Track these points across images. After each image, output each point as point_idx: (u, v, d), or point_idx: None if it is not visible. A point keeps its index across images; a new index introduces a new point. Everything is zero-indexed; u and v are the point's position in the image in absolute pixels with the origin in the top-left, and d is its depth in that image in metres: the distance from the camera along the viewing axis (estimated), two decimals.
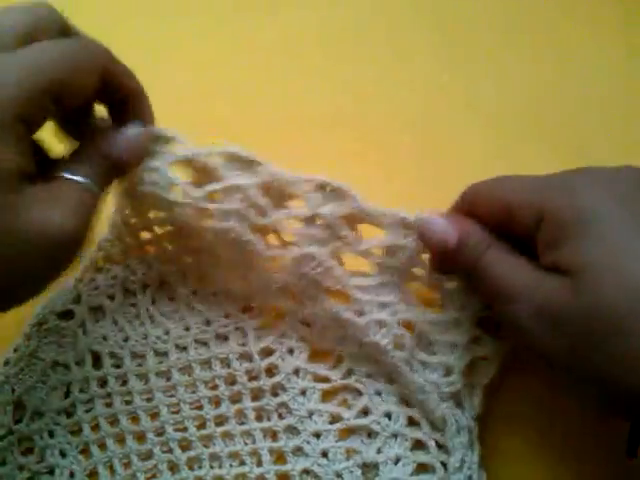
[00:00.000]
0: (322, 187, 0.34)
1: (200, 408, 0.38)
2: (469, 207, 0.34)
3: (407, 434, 0.37)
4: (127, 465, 0.38)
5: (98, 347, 0.39)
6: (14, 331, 0.38)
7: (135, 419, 0.38)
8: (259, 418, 0.38)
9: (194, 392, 0.38)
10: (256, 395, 0.38)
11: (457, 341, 0.35)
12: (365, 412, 0.38)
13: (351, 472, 0.37)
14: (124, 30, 0.47)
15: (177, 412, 0.38)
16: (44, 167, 0.31)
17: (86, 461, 0.38)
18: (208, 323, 0.39)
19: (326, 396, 0.38)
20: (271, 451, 0.37)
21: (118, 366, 0.39)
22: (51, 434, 0.38)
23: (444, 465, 0.36)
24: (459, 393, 0.36)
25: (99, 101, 0.33)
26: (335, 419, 0.38)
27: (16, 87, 0.27)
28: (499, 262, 0.31)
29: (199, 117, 0.42)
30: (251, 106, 0.44)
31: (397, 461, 0.37)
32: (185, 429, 0.38)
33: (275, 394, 0.38)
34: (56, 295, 0.39)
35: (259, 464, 0.37)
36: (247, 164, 0.34)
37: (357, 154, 0.44)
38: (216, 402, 0.38)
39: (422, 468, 0.37)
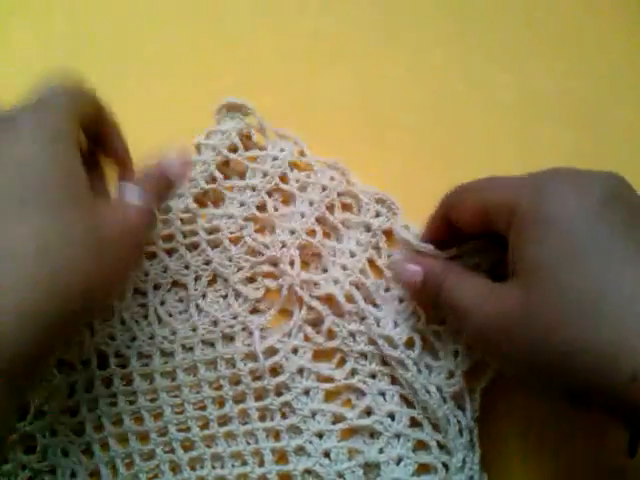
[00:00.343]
0: (379, 200, 0.40)
1: (204, 408, 0.38)
2: (450, 210, 0.35)
3: (409, 435, 0.37)
4: (129, 465, 0.37)
5: (105, 347, 0.38)
6: None
7: (138, 419, 0.38)
8: (262, 418, 0.38)
9: (198, 392, 0.38)
10: (260, 395, 0.38)
11: (459, 348, 0.37)
12: (368, 412, 0.38)
13: (353, 472, 0.37)
14: (126, 28, 0.47)
15: (181, 412, 0.38)
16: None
17: (88, 461, 0.37)
18: (215, 324, 0.39)
19: (329, 396, 0.38)
20: (273, 451, 0.37)
21: (124, 366, 0.38)
22: (54, 433, 0.37)
23: (445, 466, 0.36)
24: (460, 395, 0.37)
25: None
26: (338, 419, 0.38)
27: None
28: (456, 286, 0.33)
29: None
30: (256, 90, 0.44)
31: (399, 461, 0.37)
32: (188, 429, 0.37)
33: (279, 394, 0.38)
34: None
35: (261, 464, 0.37)
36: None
37: (359, 137, 0.44)
38: (220, 402, 0.38)
39: (424, 469, 0.37)
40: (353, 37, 0.47)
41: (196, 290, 0.40)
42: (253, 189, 0.41)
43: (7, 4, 0.48)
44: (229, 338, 0.39)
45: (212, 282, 0.40)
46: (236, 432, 0.37)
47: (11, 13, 0.48)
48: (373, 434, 0.38)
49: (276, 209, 0.41)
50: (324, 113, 0.45)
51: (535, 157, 0.43)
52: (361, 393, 0.38)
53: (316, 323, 0.39)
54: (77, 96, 0.33)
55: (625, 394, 0.26)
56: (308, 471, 0.37)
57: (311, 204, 0.40)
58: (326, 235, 0.40)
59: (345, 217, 0.40)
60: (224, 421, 0.38)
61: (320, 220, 0.40)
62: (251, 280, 0.40)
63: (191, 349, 0.39)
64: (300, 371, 0.39)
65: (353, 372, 0.38)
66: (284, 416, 0.38)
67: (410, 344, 0.38)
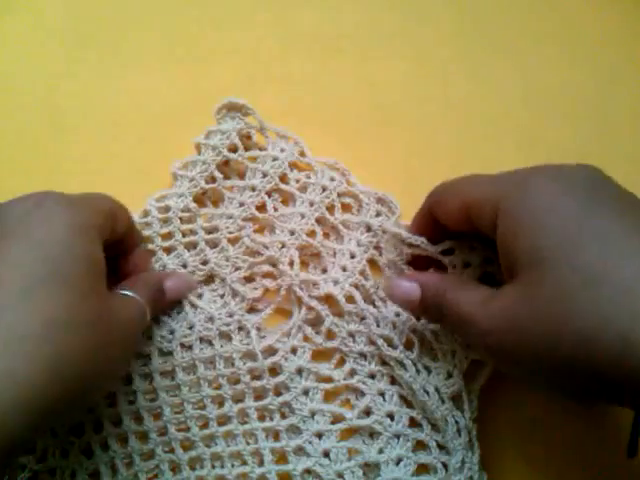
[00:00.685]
0: (379, 200, 0.40)
1: (203, 408, 0.38)
2: (433, 208, 0.35)
3: (409, 435, 0.37)
4: (129, 465, 0.37)
5: None
6: None
7: (138, 419, 0.37)
8: (261, 418, 0.38)
9: (197, 392, 0.38)
10: (259, 394, 0.38)
11: (457, 349, 0.37)
12: (367, 412, 0.37)
13: (352, 472, 0.36)
14: (125, 27, 0.47)
15: (180, 412, 0.37)
16: None
17: (88, 461, 0.37)
18: (211, 321, 0.39)
19: (329, 396, 0.38)
20: (273, 451, 0.37)
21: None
22: (53, 433, 0.37)
23: (445, 466, 0.36)
24: (459, 396, 0.36)
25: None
26: (337, 419, 0.38)
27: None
28: (458, 296, 0.33)
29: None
30: (256, 89, 0.44)
31: (398, 461, 0.36)
32: (188, 429, 0.37)
33: (278, 393, 0.38)
34: None
35: (260, 464, 0.37)
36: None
37: (361, 136, 0.44)
38: (219, 402, 0.38)
39: (423, 469, 0.36)
40: (355, 35, 0.47)
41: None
42: (253, 189, 0.40)
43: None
44: (226, 336, 0.39)
45: (209, 281, 0.40)
46: (236, 432, 0.37)
47: (7, 9, 0.48)
48: (372, 434, 0.37)
49: (276, 209, 0.41)
50: (326, 112, 0.45)
51: (540, 155, 0.42)
52: (360, 393, 0.38)
53: (315, 323, 0.39)
54: (111, 203, 0.35)
55: None
56: (308, 471, 0.36)
57: (311, 205, 0.40)
58: (326, 235, 0.40)
59: (345, 217, 0.40)
60: (224, 421, 0.38)
61: (320, 221, 0.40)
62: (249, 280, 0.40)
63: (190, 347, 0.39)
64: (299, 371, 0.38)
65: (352, 372, 0.38)
66: (283, 416, 0.38)
67: (409, 345, 0.38)
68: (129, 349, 0.36)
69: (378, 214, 0.40)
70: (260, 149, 0.42)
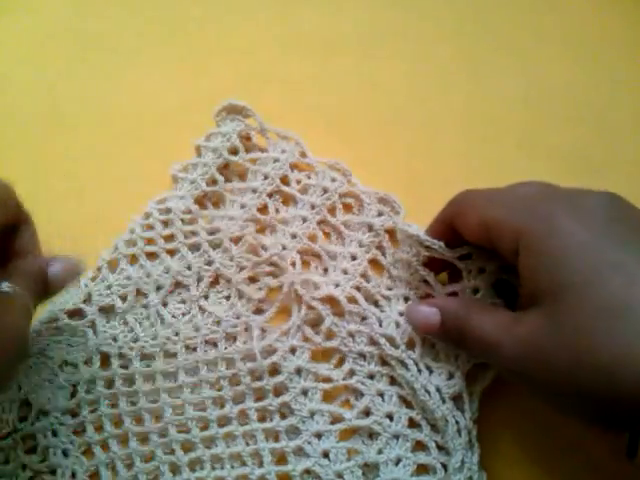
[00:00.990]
0: (381, 200, 0.40)
1: (204, 409, 0.37)
2: (453, 217, 0.35)
3: (408, 435, 0.36)
4: (129, 466, 0.37)
5: (107, 348, 0.38)
6: None
7: (139, 420, 0.37)
8: (261, 419, 0.37)
9: (199, 393, 0.38)
10: (259, 396, 0.38)
11: (459, 350, 0.37)
12: (367, 413, 0.37)
13: (352, 472, 0.36)
14: (126, 28, 0.48)
15: (181, 413, 0.37)
16: None
17: (88, 462, 0.37)
18: (218, 324, 0.39)
19: (328, 396, 0.38)
20: (272, 452, 0.36)
21: (126, 367, 0.38)
22: (55, 433, 0.37)
23: (444, 466, 0.36)
24: (460, 396, 0.36)
25: None
26: (336, 419, 0.37)
27: None
28: (480, 321, 0.33)
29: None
30: (257, 90, 0.44)
31: (398, 462, 0.36)
32: (188, 430, 0.37)
33: (278, 394, 0.38)
34: (67, 293, 0.39)
35: (260, 465, 0.36)
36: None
37: (362, 136, 0.44)
38: (220, 403, 0.38)
39: (422, 469, 0.36)
40: (356, 34, 0.47)
41: (198, 291, 0.39)
42: (254, 191, 0.40)
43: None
44: (232, 338, 0.39)
45: (214, 283, 0.40)
46: (235, 433, 0.37)
47: (7, 9, 0.48)
48: (372, 435, 0.37)
49: (277, 210, 0.40)
50: (327, 112, 0.45)
51: (541, 155, 0.43)
52: (359, 394, 0.38)
53: (316, 323, 0.39)
54: None
55: None
56: (307, 471, 0.36)
57: (312, 207, 0.40)
58: (327, 236, 0.40)
59: (347, 218, 0.40)
60: (224, 422, 0.37)
61: (322, 222, 0.40)
62: (253, 280, 0.40)
63: (194, 349, 0.38)
64: (298, 371, 0.38)
65: (351, 372, 0.38)
66: (283, 416, 0.37)
67: (411, 344, 0.37)
68: (14, 349, 0.32)
69: (380, 214, 0.40)
70: (261, 150, 0.41)
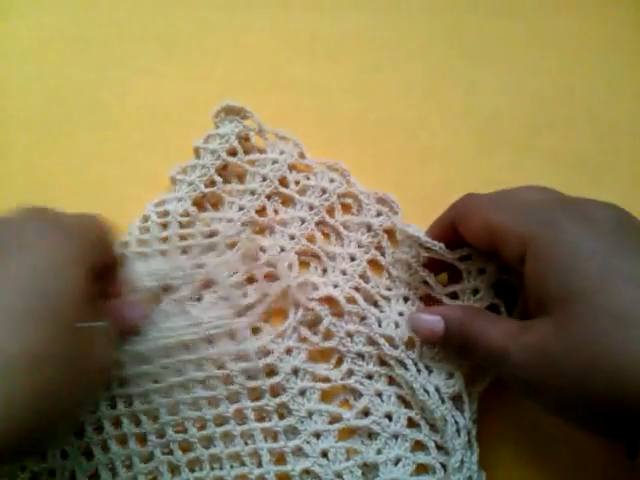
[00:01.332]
0: (380, 200, 0.40)
1: (199, 409, 0.37)
2: (456, 220, 0.35)
3: (407, 435, 0.36)
4: (128, 467, 0.36)
5: None
6: None
7: (137, 421, 0.37)
8: (259, 419, 0.37)
9: (190, 393, 0.37)
10: (256, 396, 0.37)
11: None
12: (365, 413, 0.37)
13: (351, 472, 0.36)
14: (126, 29, 0.48)
15: (176, 413, 0.37)
16: None
17: (87, 463, 0.36)
18: (203, 325, 0.38)
19: (326, 396, 0.38)
20: (271, 451, 0.36)
21: (119, 369, 0.37)
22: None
23: (444, 466, 0.35)
24: (459, 396, 0.36)
25: None
26: (335, 419, 0.37)
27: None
28: (485, 329, 0.33)
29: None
30: (255, 92, 0.44)
31: (397, 462, 0.36)
32: (185, 430, 0.36)
33: (275, 394, 0.37)
34: None
35: (259, 465, 0.36)
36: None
37: (359, 138, 0.44)
38: (214, 403, 0.37)
39: (422, 469, 0.36)
40: (354, 38, 0.47)
41: (188, 292, 0.39)
42: (252, 193, 0.40)
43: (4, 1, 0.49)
44: (214, 339, 0.38)
45: (205, 285, 0.39)
46: (234, 432, 0.36)
47: (8, 11, 0.48)
48: (371, 435, 0.37)
49: (276, 212, 0.40)
50: (325, 114, 0.45)
51: (538, 159, 0.43)
52: (358, 394, 0.37)
53: (314, 323, 0.38)
54: (103, 235, 0.34)
55: None
56: (306, 471, 0.36)
57: (311, 208, 0.40)
58: (326, 236, 0.40)
59: (346, 219, 0.40)
60: (220, 421, 0.37)
61: (320, 223, 0.40)
62: (245, 283, 0.39)
63: (184, 349, 0.38)
64: (295, 371, 0.38)
65: (350, 372, 0.38)
66: (281, 417, 0.37)
67: (410, 345, 0.37)
68: (103, 378, 0.35)
69: (379, 214, 0.40)
70: (259, 151, 0.41)
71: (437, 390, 0.36)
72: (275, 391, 0.37)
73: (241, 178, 0.41)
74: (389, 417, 0.37)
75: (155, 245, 0.39)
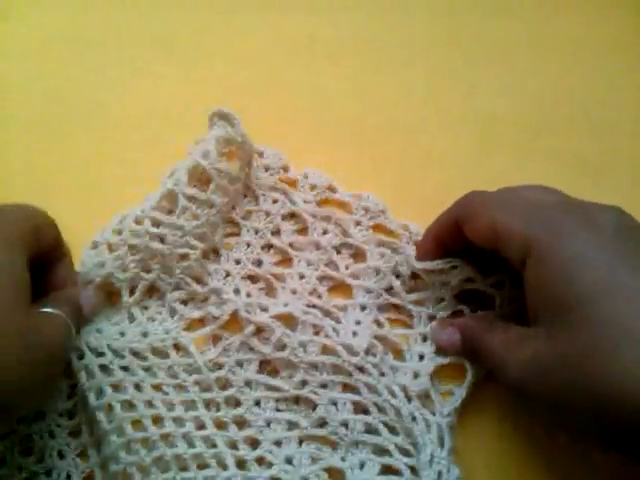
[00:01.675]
0: (325, 218, 0.39)
1: (156, 408, 0.36)
2: (459, 217, 0.34)
3: (366, 441, 0.36)
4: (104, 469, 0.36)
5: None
6: None
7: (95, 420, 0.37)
8: (219, 427, 0.37)
9: (142, 392, 0.36)
10: (212, 406, 0.37)
11: (424, 351, 0.37)
12: (322, 423, 0.36)
13: (317, 476, 0.35)
14: (126, 31, 0.48)
15: (132, 410, 0.36)
16: None
17: (83, 464, 0.37)
18: (145, 335, 0.38)
19: (282, 404, 0.37)
20: (235, 458, 0.36)
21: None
22: (51, 435, 0.37)
23: (410, 467, 0.35)
24: (427, 393, 0.36)
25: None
26: (294, 426, 0.37)
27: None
28: (490, 345, 0.33)
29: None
30: (248, 96, 0.44)
31: (362, 466, 0.35)
32: (145, 429, 0.35)
33: (231, 405, 0.37)
34: None
35: (225, 468, 0.35)
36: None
37: (350, 153, 0.43)
38: (169, 404, 0.36)
39: (388, 470, 0.35)
40: (351, 42, 0.46)
41: (131, 298, 0.38)
42: (211, 206, 0.38)
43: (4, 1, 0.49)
44: (160, 352, 0.38)
45: (150, 293, 0.39)
46: (193, 435, 0.36)
47: (8, 12, 0.49)
48: (331, 443, 0.36)
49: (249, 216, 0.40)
50: (323, 116, 0.44)
51: (537, 160, 0.42)
52: (312, 404, 0.37)
53: (265, 335, 0.38)
54: (37, 217, 0.35)
55: None
56: (273, 479, 0.35)
57: (256, 232, 0.39)
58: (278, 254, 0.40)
59: (292, 240, 0.39)
60: (180, 422, 0.36)
61: (266, 247, 0.40)
62: (189, 300, 0.39)
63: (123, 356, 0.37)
64: (248, 383, 0.37)
65: (303, 383, 0.37)
66: (240, 427, 0.37)
67: (371, 351, 0.37)
68: (55, 368, 0.34)
69: (325, 232, 0.39)
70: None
71: (404, 389, 0.35)
72: (230, 402, 0.37)
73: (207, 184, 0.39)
74: (346, 425, 0.36)
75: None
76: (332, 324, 0.37)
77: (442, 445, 0.35)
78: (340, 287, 0.39)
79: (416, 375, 0.36)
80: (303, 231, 0.40)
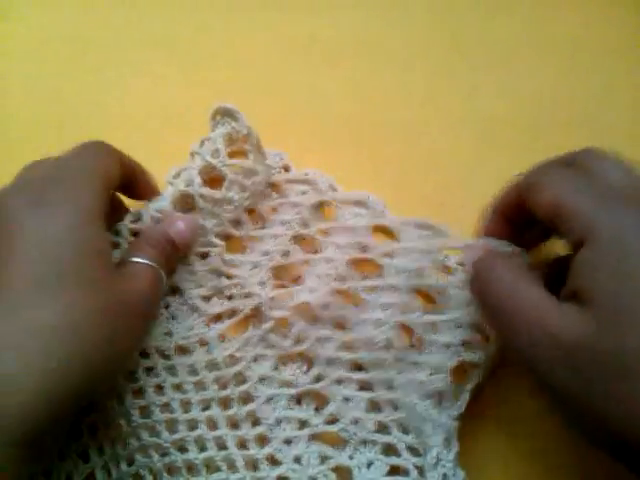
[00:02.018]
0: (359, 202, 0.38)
1: (172, 412, 0.36)
2: (525, 190, 0.32)
3: (377, 440, 0.35)
4: (118, 469, 0.36)
5: None
6: None
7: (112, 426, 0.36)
8: (232, 425, 0.36)
9: (164, 394, 0.36)
10: (224, 403, 0.37)
11: (450, 342, 0.35)
12: (333, 420, 0.36)
13: (325, 476, 0.35)
14: (126, 32, 0.47)
15: (147, 416, 0.36)
16: None
17: (83, 465, 0.36)
18: (169, 334, 0.37)
19: (293, 403, 0.37)
20: (244, 458, 0.36)
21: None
22: None
23: (417, 468, 0.34)
24: (442, 393, 0.35)
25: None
26: (304, 424, 0.36)
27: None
28: (509, 284, 0.30)
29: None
30: (248, 96, 0.43)
31: (369, 465, 0.35)
32: (158, 434, 0.36)
33: (244, 402, 0.37)
34: None
35: (235, 471, 0.35)
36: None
37: (350, 153, 0.43)
38: (185, 408, 0.36)
39: (395, 470, 0.35)
40: (351, 43, 0.46)
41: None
42: (229, 203, 0.38)
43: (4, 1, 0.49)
44: (185, 350, 0.37)
45: (175, 292, 0.38)
46: (206, 437, 0.36)
47: (8, 13, 0.48)
48: (341, 441, 0.36)
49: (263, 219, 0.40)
50: (323, 117, 0.44)
51: (532, 162, 0.40)
52: (325, 400, 0.36)
53: (285, 330, 0.37)
54: (106, 166, 0.33)
55: None
56: (281, 478, 0.35)
57: (284, 224, 0.39)
58: (308, 245, 0.39)
59: (321, 226, 0.38)
60: (193, 425, 0.36)
61: (296, 237, 0.39)
62: (212, 297, 0.38)
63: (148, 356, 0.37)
64: (262, 380, 0.37)
65: (318, 378, 0.37)
66: (252, 424, 0.36)
67: (392, 344, 0.36)
68: (148, 319, 0.35)
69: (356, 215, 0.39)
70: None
71: (420, 386, 0.35)
72: (244, 399, 0.37)
73: (220, 183, 0.39)
74: (357, 423, 0.36)
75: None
76: (355, 313, 0.36)
77: (449, 447, 0.34)
78: (370, 267, 0.38)
79: (436, 371, 0.35)
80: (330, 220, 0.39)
